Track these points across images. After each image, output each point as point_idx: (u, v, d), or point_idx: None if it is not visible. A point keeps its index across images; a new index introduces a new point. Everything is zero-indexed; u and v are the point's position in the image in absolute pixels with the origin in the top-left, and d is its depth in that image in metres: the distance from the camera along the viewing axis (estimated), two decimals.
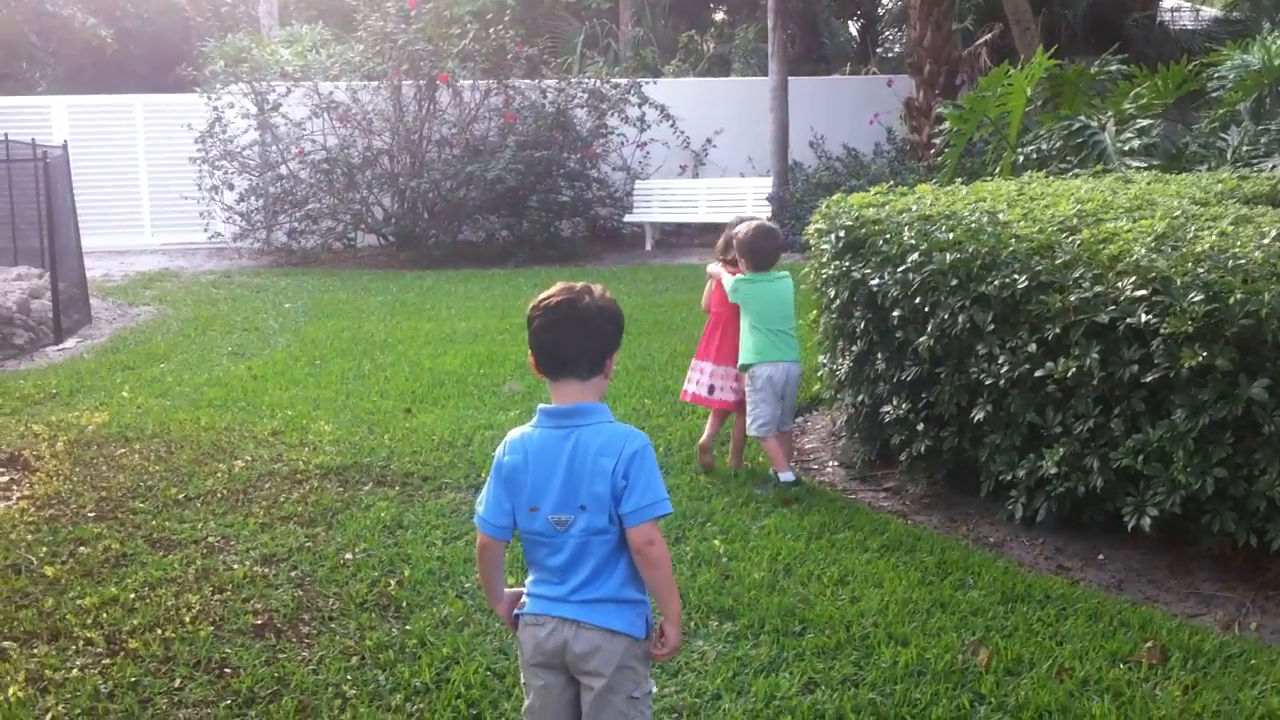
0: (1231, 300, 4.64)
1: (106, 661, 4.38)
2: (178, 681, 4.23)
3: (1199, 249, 5.05)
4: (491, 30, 17.65)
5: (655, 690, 2.94)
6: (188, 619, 4.72)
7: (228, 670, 4.32)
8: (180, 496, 6.21)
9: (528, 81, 17.63)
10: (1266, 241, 5.10)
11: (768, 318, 6.44)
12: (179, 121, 17.61)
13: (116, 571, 5.24)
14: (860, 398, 6.60)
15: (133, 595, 4.95)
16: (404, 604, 4.87)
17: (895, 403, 6.23)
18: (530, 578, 3.12)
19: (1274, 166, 9.86)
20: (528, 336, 3.08)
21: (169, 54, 23.76)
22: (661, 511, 2.96)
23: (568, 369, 3.03)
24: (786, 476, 6.35)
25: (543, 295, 3.08)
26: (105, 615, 4.76)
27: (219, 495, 6.24)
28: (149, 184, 19.12)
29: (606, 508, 2.94)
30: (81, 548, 5.51)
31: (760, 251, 6.51)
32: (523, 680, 3.16)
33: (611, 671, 2.99)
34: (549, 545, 3.01)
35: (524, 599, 3.12)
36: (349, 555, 5.39)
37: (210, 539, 5.62)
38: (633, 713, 3.03)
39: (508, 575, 3.29)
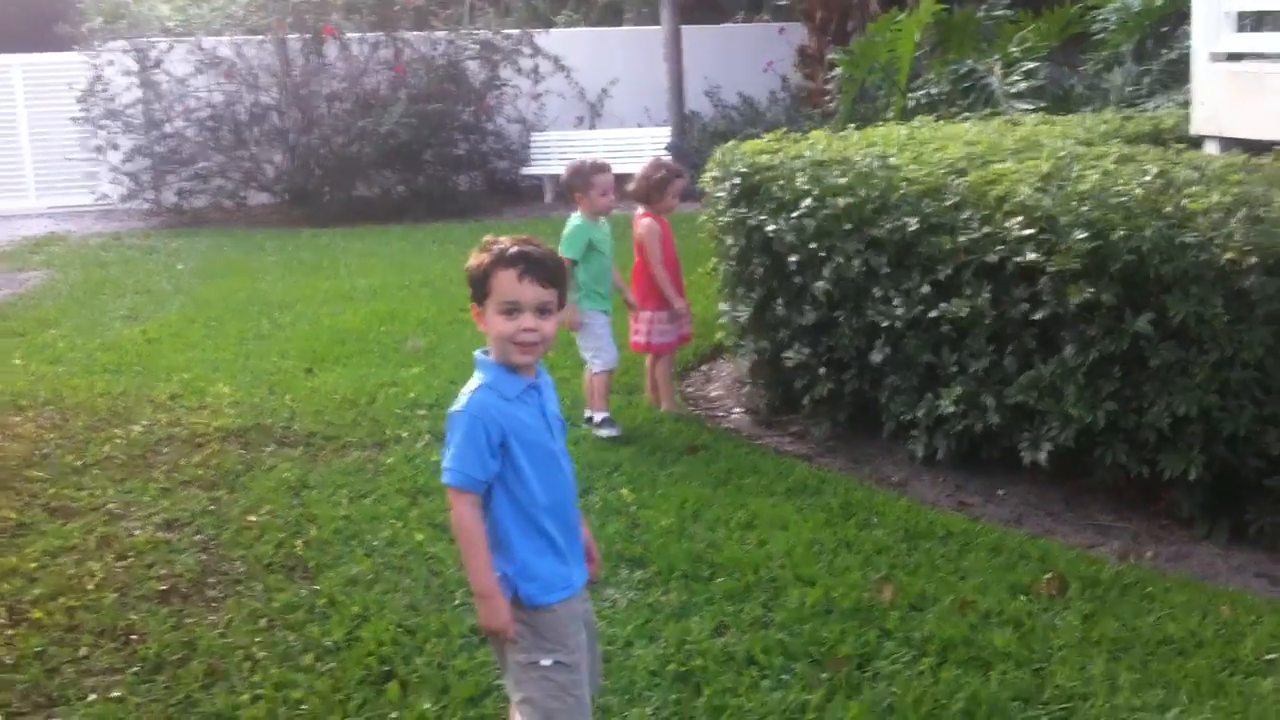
0: (1114, 236, 4.76)
1: (9, 632, 4.31)
2: (83, 650, 4.18)
3: (1083, 188, 5.16)
4: None
5: (562, 663, 2.96)
6: (91, 587, 4.66)
7: (134, 636, 4.28)
8: (78, 464, 6.10)
9: (417, 33, 17.34)
10: (1147, 179, 5.22)
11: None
12: (59, 81, 17.07)
13: (15, 541, 5.14)
14: (762, 344, 6.67)
15: (33, 565, 4.87)
16: (311, 564, 4.85)
17: (796, 348, 6.31)
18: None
19: (1156, 106, 10.07)
20: None
21: (45, 11, 22.98)
22: (444, 480, 2.95)
23: None
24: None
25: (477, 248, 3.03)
26: (6, 586, 4.68)
27: (118, 461, 6.14)
28: (31, 146, 18.54)
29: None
30: None
31: None
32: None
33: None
34: None
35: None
36: (253, 517, 5.35)
37: (110, 506, 5.54)
38: (524, 678, 3.00)
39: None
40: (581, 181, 6.53)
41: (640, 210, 6.89)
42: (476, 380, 2.99)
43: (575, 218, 6.59)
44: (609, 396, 6.62)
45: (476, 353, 3.03)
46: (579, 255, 6.47)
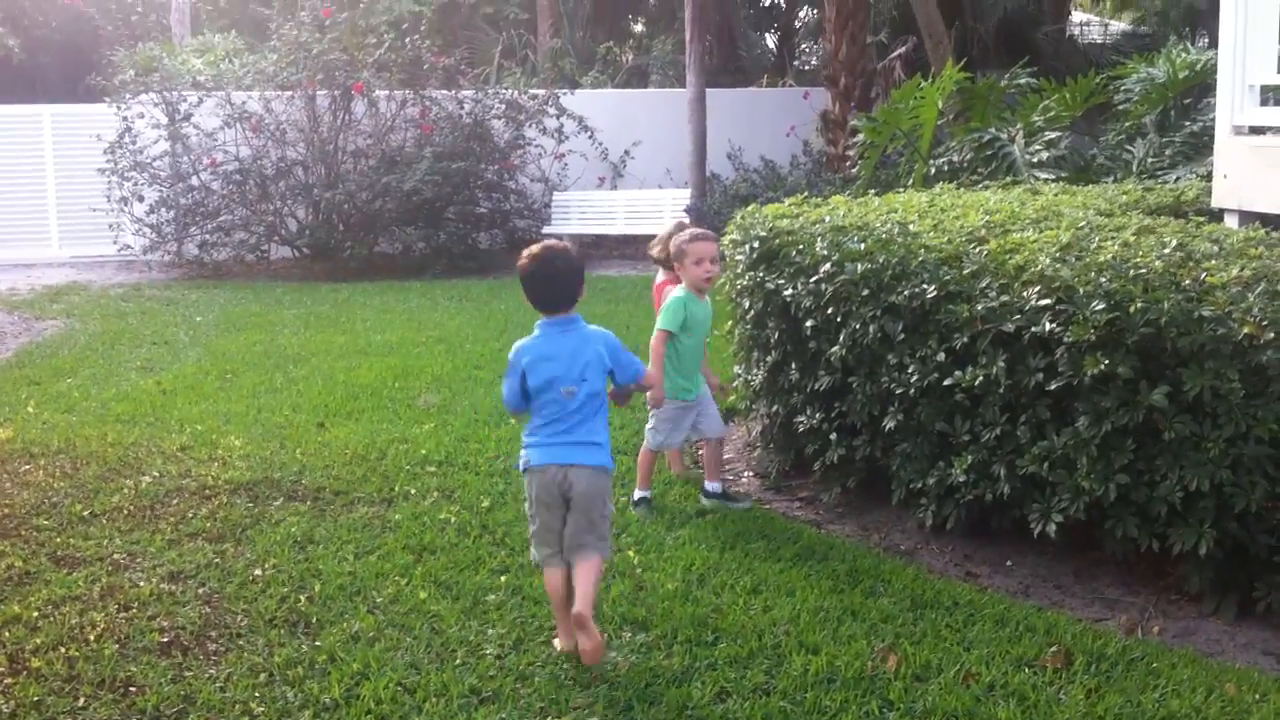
0: (1132, 309, 4.72)
1: (9, 681, 4.29)
2: (82, 701, 4.15)
3: (1102, 259, 5.14)
4: (407, 40, 17.51)
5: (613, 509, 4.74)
6: (92, 637, 4.63)
7: (133, 689, 4.24)
8: (85, 513, 6.09)
9: (444, 92, 17.51)
10: (1167, 251, 5.20)
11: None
12: (88, 132, 17.30)
13: (19, 590, 5.12)
14: (775, 408, 6.64)
15: (36, 613, 4.85)
16: (314, 620, 4.81)
17: (809, 412, 6.27)
18: (537, 436, 4.48)
19: (1178, 178, 10.08)
20: (522, 286, 4.51)
21: (78, 63, 23.30)
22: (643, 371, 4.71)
23: (559, 307, 4.52)
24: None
25: (524, 258, 4.49)
26: (7, 634, 4.66)
27: (125, 512, 6.12)
28: (57, 195, 18.75)
29: (603, 376, 4.51)
30: None
31: None
32: (531, 512, 4.56)
33: (595, 495, 4.45)
34: (560, 408, 4.44)
35: (527, 455, 4.51)
36: (258, 571, 5.32)
37: (116, 556, 5.52)
38: (605, 528, 4.51)
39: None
40: (675, 252, 6.20)
41: (664, 276, 6.89)
42: (586, 322, 4.62)
43: (679, 288, 6.24)
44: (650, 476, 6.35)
45: (575, 315, 4.55)
46: (676, 328, 6.12)
